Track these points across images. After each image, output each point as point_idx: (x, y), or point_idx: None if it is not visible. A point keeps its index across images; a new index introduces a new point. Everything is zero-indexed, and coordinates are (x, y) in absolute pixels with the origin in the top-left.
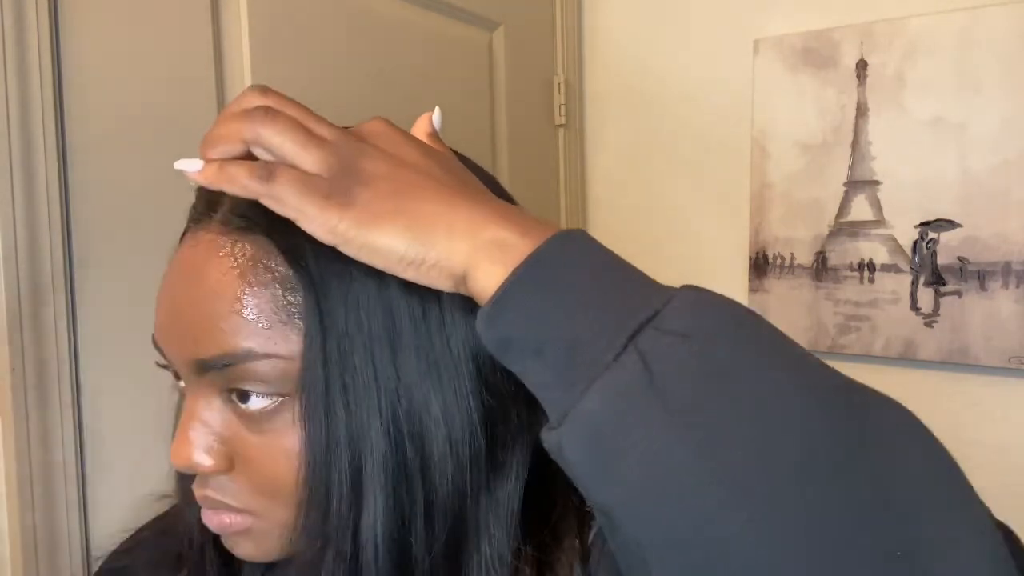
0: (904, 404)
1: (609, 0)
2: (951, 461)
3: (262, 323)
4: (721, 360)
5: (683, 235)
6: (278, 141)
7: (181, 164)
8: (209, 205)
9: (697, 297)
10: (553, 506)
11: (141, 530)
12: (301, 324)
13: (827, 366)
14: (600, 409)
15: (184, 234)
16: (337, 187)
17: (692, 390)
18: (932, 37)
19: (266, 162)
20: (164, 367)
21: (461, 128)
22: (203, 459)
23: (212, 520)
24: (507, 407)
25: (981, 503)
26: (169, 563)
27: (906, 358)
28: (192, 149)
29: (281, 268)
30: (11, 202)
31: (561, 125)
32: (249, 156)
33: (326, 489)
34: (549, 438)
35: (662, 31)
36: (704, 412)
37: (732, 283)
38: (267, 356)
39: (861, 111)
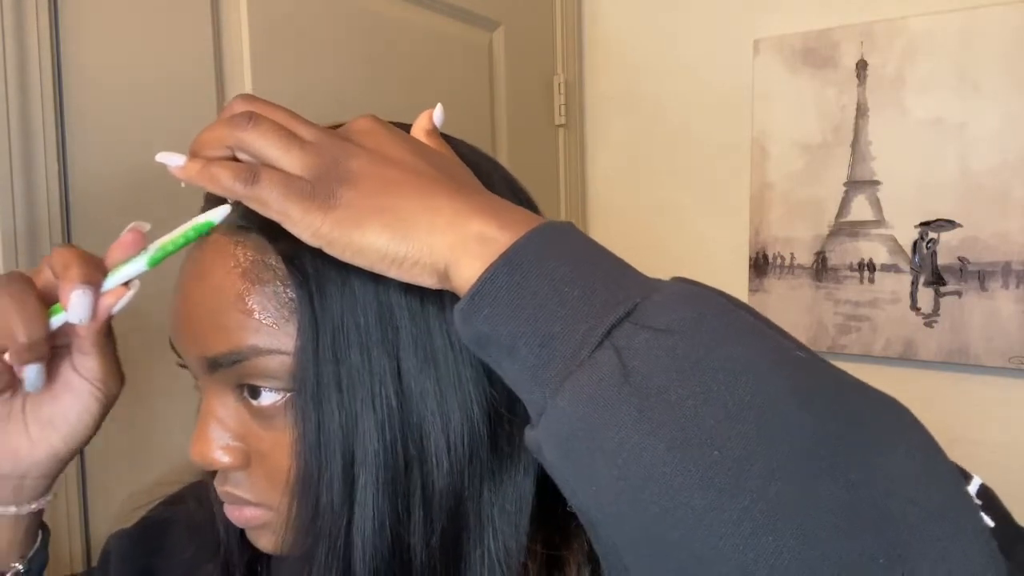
0: (905, 405)
1: (609, 0)
2: (944, 467)
3: (266, 320)
4: (700, 356)
5: (683, 235)
6: (260, 144)
7: (163, 157)
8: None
9: (682, 290)
10: (565, 503)
11: (178, 493)
12: None
13: (821, 363)
14: (572, 408)
15: None
16: (321, 188)
17: (668, 387)
18: (932, 37)
19: (250, 164)
20: (183, 367)
21: (461, 128)
22: (221, 456)
23: (233, 514)
24: (513, 398)
25: (974, 511)
26: (207, 533)
27: (906, 358)
28: None
29: (281, 266)
30: (11, 201)
31: (561, 125)
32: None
33: (317, 484)
34: (529, 437)
35: (662, 31)
36: (680, 410)
37: (732, 283)
38: (272, 352)
39: (861, 111)
